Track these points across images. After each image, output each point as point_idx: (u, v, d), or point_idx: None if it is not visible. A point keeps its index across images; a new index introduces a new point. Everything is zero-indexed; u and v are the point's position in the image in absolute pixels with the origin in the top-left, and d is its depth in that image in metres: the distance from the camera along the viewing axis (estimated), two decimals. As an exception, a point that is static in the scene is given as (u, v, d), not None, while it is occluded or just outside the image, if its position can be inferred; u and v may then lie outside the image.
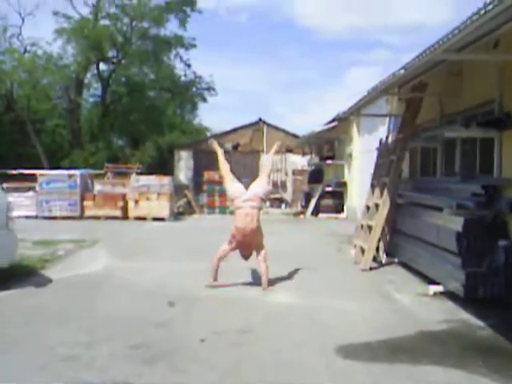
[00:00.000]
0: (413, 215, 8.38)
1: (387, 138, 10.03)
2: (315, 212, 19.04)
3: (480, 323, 5.47)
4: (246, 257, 7.25)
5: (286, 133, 30.28)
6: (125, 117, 31.66)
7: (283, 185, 30.01)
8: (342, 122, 18.08)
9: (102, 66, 31.96)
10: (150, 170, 28.79)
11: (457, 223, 6.41)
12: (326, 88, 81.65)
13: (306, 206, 21.15)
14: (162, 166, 30.75)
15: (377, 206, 8.89)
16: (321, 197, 19.17)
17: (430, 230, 7.35)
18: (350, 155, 17.77)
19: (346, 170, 18.49)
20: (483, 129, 6.65)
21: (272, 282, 7.28)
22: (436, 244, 7.07)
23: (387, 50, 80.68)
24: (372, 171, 10.77)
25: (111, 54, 30.65)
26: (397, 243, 8.95)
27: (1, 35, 30.14)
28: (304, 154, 27.67)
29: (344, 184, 18.45)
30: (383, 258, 9.05)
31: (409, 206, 8.80)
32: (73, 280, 7.54)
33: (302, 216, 19.88)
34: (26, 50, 31.27)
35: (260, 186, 7.20)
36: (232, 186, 7.20)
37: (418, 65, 6.10)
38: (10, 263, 7.33)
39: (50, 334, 5.01)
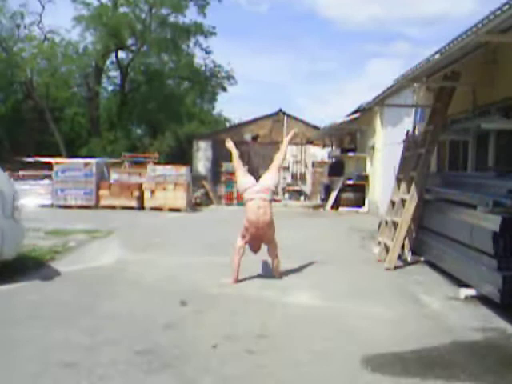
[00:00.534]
0: (441, 212, 7.86)
1: (414, 129, 9.51)
2: (335, 205, 18.54)
3: (519, 333, 4.99)
4: (255, 250, 7.09)
5: (307, 124, 29.76)
6: (143, 105, 31.34)
7: (302, 177, 29.52)
8: (365, 114, 17.53)
9: (121, 54, 31.70)
10: (168, 160, 28.48)
11: (493, 222, 5.88)
12: (347, 80, 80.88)
13: (325, 199, 20.65)
14: (181, 156, 30.44)
15: (403, 201, 8.39)
16: (341, 190, 18.65)
17: (461, 228, 6.83)
18: (373, 148, 17.20)
19: (368, 163, 17.93)
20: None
21: (291, 280, 6.90)
22: (468, 244, 6.55)
23: (408, 43, 79.50)
24: (397, 164, 10.27)
25: (130, 41, 30.28)
26: (423, 241, 8.45)
27: (20, 22, 30.02)
28: (324, 145, 27.16)
29: (366, 177, 17.90)
30: (409, 257, 8.57)
31: (437, 201, 8.28)
32: (82, 273, 7.18)
33: (321, 209, 19.39)
34: (46, 38, 31.10)
35: (271, 177, 7.07)
36: (243, 178, 7.10)
37: (456, 48, 5.58)
38: (16, 255, 6.99)
39: (51, 335, 4.64)
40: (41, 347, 4.31)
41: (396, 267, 7.98)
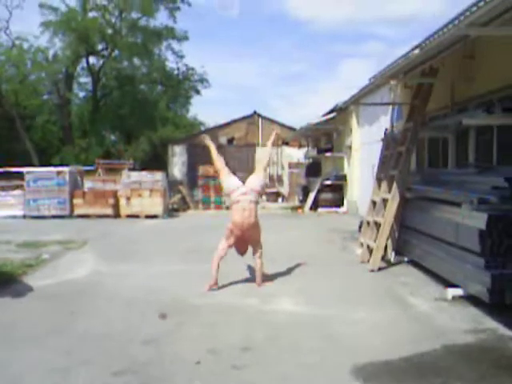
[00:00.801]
0: (424, 210, 7.73)
1: (393, 127, 9.38)
2: (314, 206, 18.37)
3: (511, 333, 4.85)
4: (242, 253, 7.01)
5: (282, 125, 29.69)
6: (116, 111, 30.95)
7: (279, 178, 29.42)
8: (341, 113, 17.44)
9: (92, 60, 31.22)
10: (143, 166, 28.09)
11: (479, 220, 5.75)
12: (320, 80, 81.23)
13: (303, 200, 20.50)
14: (156, 161, 30.12)
15: (384, 201, 8.25)
16: (319, 191, 18.48)
17: (445, 226, 6.70)
18: (350, 147, 17.11)
19: (346, 163, 17.83)
20: (510, 115, 5.98)
21: (274, 285, 6.72)
22: (453, 242, 6.42)
23: (381, 42, 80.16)
24: (376, 163, 10.14)
25: (100, 46, 29.86)
26: (406, 241, 8.31)
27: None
28: (300, 146, 27.07)
29: (344, 177, 17.79)
30: (392, 257, 8.42)
31: (419, 200, 8.15)
32: (54, 288, 6.86)
33: (300, 211, 19.20)
34: (13, 44, 30.46)
35: (257, 179, 6.91)
36: (228, 179, 6.87)
37: (436, 43, 5.43)
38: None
39: (19, 358, 4.34)
40: (7, 374, 4.02)
41: (380, 268, 7.82)
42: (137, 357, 4.31)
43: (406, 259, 8.32)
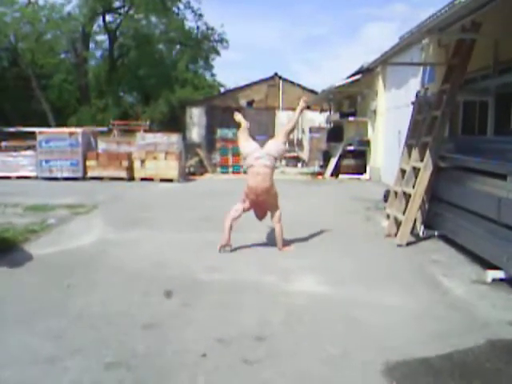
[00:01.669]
0: (459, 182, 7.02)
1: (426, 90, 8.59)
2: (335, 172, 17.66)
3: None
4: (261, 217, 6.93)
5: (303, 88, 28.80)
6: (133, 71, 30.16)
7: (300, 143, 28.65)
8: (366, 76, 16.53)
9: (109, 18, 30.31)
10: (161, 128, 27.51)
11: (528, 195, 5.08)
12: (342, 45, 79.13)
13: (324, 166, 19.79)
14: (174, 123, 29.45)
15: (415, 169, 7.55)
16: (341, 156, 17.74)
17: (485, 200, 6.01)
18: (375, 112, 16.25)
19: (370, 128, 17.00)
20: None
21: (294, 260, 6.14)
22: (495, 219, 5.74)
23: (405, 5, 77.43)
24: (404, 129, 9.40)
25: (117, 3, 28.90)
26: (437, 213, 7.63)
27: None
28: (322, 110, 26.17)
29: (367, 143, 16.99)
30: (421, 231, 7.76)
31: (454, 170, 7.43)
32: (56, 258, 6.35)
33: (320, 176, 18.51)
34: (29, 2, 29.63)
35: (275, 144, 6.77)
36: (245, 143, 6.81)
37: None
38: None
39: (6, 342, 3.83)
40: (-12, 361, 3.51)
41: (408, 243, 7.18)
42: (135, 346, 3.77)
43: (436, 233, 7.66)
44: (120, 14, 29.31)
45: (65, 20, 27.93)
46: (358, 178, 16.95)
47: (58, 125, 25.16)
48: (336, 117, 20.39)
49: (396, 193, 8.16)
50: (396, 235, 7.52)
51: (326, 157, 20.01)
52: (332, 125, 22.02)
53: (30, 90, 29.28)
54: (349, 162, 17.52)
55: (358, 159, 17.41)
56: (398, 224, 7.59)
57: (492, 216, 5.78)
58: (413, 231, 7.61)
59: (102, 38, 31.75)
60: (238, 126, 7.21)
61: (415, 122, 8.27)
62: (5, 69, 31.33)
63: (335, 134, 20.41)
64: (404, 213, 7.44)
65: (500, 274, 5.42)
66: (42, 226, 8.31)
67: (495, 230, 5.68)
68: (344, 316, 4.42)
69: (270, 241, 7.16)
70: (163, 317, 4.35)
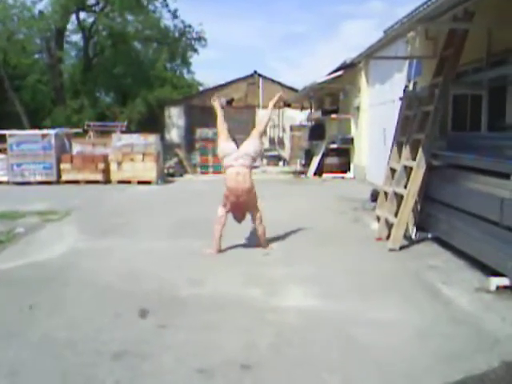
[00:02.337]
0: (454, 181, 6.61)
1: (415, 84, 8.18)
2: (318, 171, 17.23)
3: None
4: (239, 219, 6.75)
5: (283, 86, 28.39)
6: (109, 70, 29.38)
7: (280, 141, 28.26)
8: (348, 72, 16.14)
9: (83, 16, 29.51)
10: (139, 128, 26.85)
11: (534, 195, 4.67)
12: (321, 42, 78.99)
13: (306, 165, 19.38)
14: (153, 123, 28.80)
15: (406, 168, 7.12)
16: (324, 155, 17.31)
17: (484, 201, 5.60)
18: (358, 108, 15.86)
19: (353, 125, 16.61)
20: None
21: (279, 269, 5.67)
22: (496, 221, 5.33)
23: (382, 2, 77.51)
24: (392, 126, 9.00)
25: (92, 1, 28.13)
26: (430, 214, 7.22)
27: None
28: (303, 108, 25.79)
29: (351, 140, 16.59)
30: (413, 233, 7.34)
31: (447, 168, 7.03)
32: (20, 272, 5.79)
33: (303, 175, 18.09)
34: (4, 1, 28.62)
35: (252, 144, 6.69)
36: (224, 144, 6.70)
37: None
38: None
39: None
40: None
41: (401, 247, 6.75)
42: (104, 380, 3.26)
43: (429, 235, 7.25)
44: (94, 12, 28.57)
45: (37, 19, 27.10)
46: (342, 177, 16.55)
47: (33, 127, 24.31)
48: (317, 114, 19.98)
49: (386, 193, 7.74)
50: (387, 238, 7.10)
51: (309, 155, 19.61)
52: (313, 123, 21.62)
53: (2, 91, 28.39)
54: (332, 160, 17.10)
55: (341, 157, 17.00)
56: (390, 226, 7.16)
57: (493, 217, 5.37)
58: (405, 234, 7.19)
59: (77, 37, 31.00)
60: (215, 115, 7.01)
61: (405, 118, 7.85)
62: (-24, 70, 30.39)
63: (317, 131, 20.04)
64: (396, 215, 7.01)
65: (505, 281, 5.00)
66: (8, 235, 7.75)
67: (497, 232, 5.27)
68: (339, 335, 3.95)
69: (252, 243, 6.93)
70: (135, 342, 3.84)
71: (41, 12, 27.33)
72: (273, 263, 6.07)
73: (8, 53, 28.24)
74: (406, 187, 7.01)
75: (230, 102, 27.91)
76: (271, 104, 7.26)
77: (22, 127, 24.54)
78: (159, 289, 5.11)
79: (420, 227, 7.38)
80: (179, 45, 30.59)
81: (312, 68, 70.74)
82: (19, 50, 28.49)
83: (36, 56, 31.84)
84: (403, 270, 5.78)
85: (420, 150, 6.65)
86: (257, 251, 6.61)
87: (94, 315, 4.42)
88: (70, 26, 29.85)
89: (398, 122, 8.40)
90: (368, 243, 7.13)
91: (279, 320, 4.27)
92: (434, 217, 7.14)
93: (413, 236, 7.31)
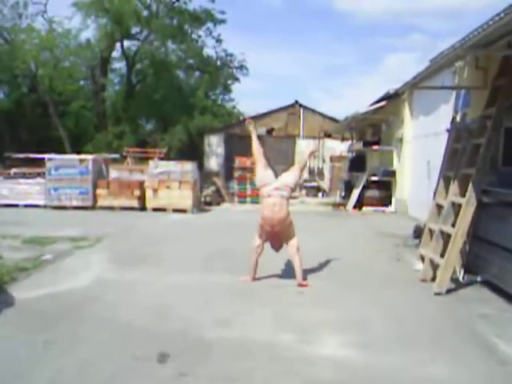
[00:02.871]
0: (505, 220, 6.07)
1: (464, 115, 7.69)
2: (358, 204, 16.68)
3: None
4: (277, 248, 6.68)
5: (324, 116, 28.09)
6: (150, 98, 29.62)
7: (320, 172, 27.77)
8: (391, 103, 15.68)
9: (127, 44, 30.00)
10: (179, 156, 26.86)
11: None
12: (362, 74, 78.72)
13: (346, 197, 18.86)
14: (193, 151, 28.82)
15: (454, 205, 6.61)
16: (365, 187, 16.78)
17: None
18: (401, 140, 15.33)
19: (395, 157, 16.06)
20: None
21: (314, 311, 5.19)
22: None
23: (424, 35, 76.98)
24: (436, 159, 8.52)
25: (135, 30, 28.59)
26: (479, 256, 6.67)
27: (23, 12, 28.47)
28: (343, 139, 25.35)
29: (392, 173, 16.03)
30: (461, 275, 6.79)
31: (498, 206, 6.49)
32: (40, 303, 5.50)
33: (342, 208, 17.56)
34: (51, 29, 29.36)
35: (292, 175, 6.67)
36: (262, 172, 6.61)
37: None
38: None
39: None
40: None
41: (447, 290, 6.20)
42: None
43: (478, 279, 6.67)
44: (138, 40, 29.03)
45: (83, 47, 27.68)
46: (383, 211, 15.95)
47: (75, 152, 24.59)
48: (359, 145, 19.50)
49: (431, 231, 7.22)
50: (433, 280, 6.57)
51: (348, 187, 19.09)
52: (354, 154, 21.14)
53: (47, 116, 28.96)
54: (373, 193, 16.54)
55: (382, 190, 16.42)
56: (435, 267, 6.63)
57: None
58: (452, 276, 6.63)
59: (120, 64, 31.50)
60: (249, 139, 7.03)
61: (453, 151, 7.35)
62: (24, 95, 31.16)
63: (357, 163, 19.54)
64: (442, 255, 6.49)
65: None
66: (35, 262, 7.51)
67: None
68: (381, 396, 3.48)
69: (288, 274, 6.81)
70: (151, 394, 3.46)
71: (88, 40, 27.90)
72: (307, 304, 5.62)
73: (54, 79, 28.83)
74: (453, 225, 6.50)
75: (269, 132, 27.70)
76: (306, 156, 7.73)
77: (64, 152, 24.87)
78: (183, 329, 4.73)
79: (468, 269, 6.82)
80: (221, 73, 30.72)
81: (353, 99, 70.41)
82: (65, 77, 29.07)
83: (81, 83, 32.45)
84: (451, 319, 5.24)
85: (470, 185, 6.15)
86: (291, 289, 6.18)
87: (109, 357, 4.06)
88: (114, 54, 30.43)
89: (444, 155, 7.91)
90: (411, 285, 6.59)
91: (312, 374, 3.81)
92: (483, 258, 6.59)
93: (460, 278, 6.75)
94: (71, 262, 7.80)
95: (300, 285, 6.34)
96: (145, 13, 26.96)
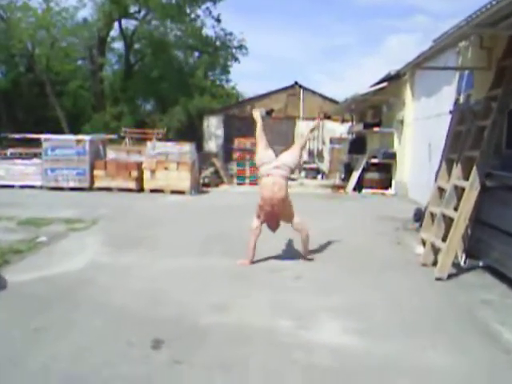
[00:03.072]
0: (509, 204, 5.94)
1: (468, 97, 7.52)
2: (358, 187, 16.54)
3: None
4: (274, 228, 6.66)
5: (324, 98, 27.83)
6: (149, 78, 29.29)
7: (320, 154, 27.58)
8: (393, 84, 15.43)
9: (125, 23, 29.60)
10: (178, 137, 26.66)
11: None
12: (364, 55, 78.09)
13: (345, 179, 18.71)
14: (192, 132, 28.60)
15: (457, 188, 6.47)
16: (364, 169, 16.62)
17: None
18: (402, 122, 15.13)
19: (396, 140, 15.87)
20: None
21: (313, 296, 5.07)
22: None
23: (427, 17, 76.24)
24: (438, 141, 8.36)
25: (134, 9, 28.15)
26: (481, 240, 6.54)
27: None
28: (343, 121, 25.12)
29: (393, 155, 15.85)
30: (462, 260, 6.67)
31: (501, 190, 6.35)
32: (33, 287, 5.38)
33: (341, 190, 17.39)
34: (48, 7, 28.88)
35: (291, 154, 6.67)
36: (263, 151, 6.63)
37: None
38: None
39: None
40: None
41: (449, 275, 6.09)
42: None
43: (480, 264, 6.55)
44: (137, 19, 28.64)
45: (80, 26, 27.28)
46: (383, 193, 15.81)
47: (72, 132, 24.36)
48: (359, 127, 19.30)
49: (432, 214, 7.09)
50: (433, 264, 6.46)
51: (348, 169, 18.93)
52: (354, 136, 20.94)
53: (44, 96, 28.68)
54: (373, 175, 16.39)
55: (382, 173, 16.26)
56: (436, 252, 6.52)
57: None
58: (453, 260, 6.51)
59: (118, 44, 31.13)
60: (254, 125, 7.01)
61: (456, 134, 7.19)
62: (21, 74, 30.83)
63: (357, 145, 19.36)
64: (443, 239, 6.37)
65: None
66: (30, 244, 7.39)
67: None
68: (382, 386, 3.37)
69: (287, 255, 7.00)
70: (145, 382, 3.34)
71: (85, 19, 27.49)
72: (306, 289, 5.51)
73: (51, 59, 28.49)
74: (455, 209, 6.37)
75: (269, 113, 27.41)
76: (309, 129, 7.72)
77: (62, 132, 24.68)
78: (178, 314, 4.62)
79: (470, 254, 6.71)
80: (220, 54, 30.35)
81: (354, 81, 69.72)
82: (62, 56, 28.72)
83: (79, 62, 32.09)
84: (452, 305, 5.13)
85: (474, 168, 6.01)
86: (289, 272, 6.09)
87: (102, 344, 3.95)
88: (112, 33, 30.03)
89: (447, 138, 7.76)
90: (412, 269, 6.48)
91: (310, 361, 3.70)
92: (485, 243, 6.46)
93: (462, 263, 6.64)
94: (66, 244, 7.68)
95: (305, 257, 6.60)
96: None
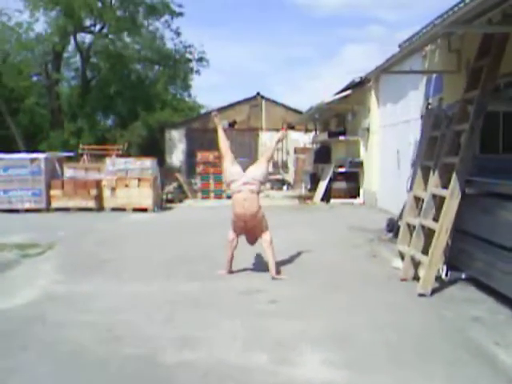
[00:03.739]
0: (491, 212, 5.59)
1: (441, 101, 7.21)
2: (326, 197, 16.19)
3: None
4: (252, 242, 6.72)
5: (287, 108, 27.68)
6: (106, 93, 28.52)
7: (284, 165, 27.30)
8: (357, 92, 15.23)
9: (82, 37, 28.80)
10: (140, 152, 26.03)
11: None
12: (322, 65, 78.76)
13: (312, 189, 18.39)
14: (153, 146, 27.98)
15: (435, 197, 6.12)
16: (331, 179, 16.30)
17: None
18: (367, 129, 14.88)
19: (362, 148, 15.62)
20: None
21: (288, 322, 4.59)
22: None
23: (382, 26, 77.56)
24: (408, 148, 8.04)
25: (89, 22, 27.43)
26: (463, 250, 6.19)
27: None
28: (307, 130, 24.92)
29: (360, 164, 15.58)
30: (443, 272, 6.29)
31: (481, 197, 6.02)
32: (-27, 328, 4.77)
33: (309, 201, 17.03)
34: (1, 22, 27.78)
35: (259, 168, 6.63)
36: (231, 168, 6.55)
37: None
38: None
39: None
40: None
41: (432, 290, 5.70)
42: None
43: (463, 276, 6.19)
44: (92, 33, 27.87)
45: (34, 41, 26.33)
46: (352, 203, 15.49)
47: (29, 151, 23.39)
48: (324, 136, 19.01)
49: (409, 225, 6.71)
50: (414, 279, 6.10)
51: (314, 179, 18.62)
52: (319, 145, 20.67)
53: (-1, 114, 27.60)
54: (340, 185, 16.08)
55: (350, 182, 15.97)
56: (416, 265, 6.16)
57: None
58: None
59: (74, 59, 30.24)
60: (217, 138, 6.91)
61: (431, 140, 6.83)
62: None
63: (323, 154, 19.07)
64: (424, 252, 5.99)
65: None
66: (-25, 275, 6.73)
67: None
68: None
69: (259, 272, 6.73)
70: None
71: (38, 34, 26.54)
72: (281, 314, 5.03)
73: (4, 75, 27.44)
74: (435, 219, 6.01)
75: (232, 125, 27.02)
76: (276, 138, 7.37)
77: (18, 151, 23.67)
78: (142, 354, 4.07)
79: (451, 265, 6.34)
80: (180, 66, 29.78)
81: (315, 91, 70.02)
82: (16, 72, 27.68)
83: (34, 78, 31.06)
84: (441, 324, 4.71)
85: (454, 176, 5.64)
86: (263, 296, 5.60)
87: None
88: (69, 48, 29.17)
89: (420, 144, 7.43)
90: (392, 285, 6.08)
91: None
92: (467, 253, 6.12)
93: (443, 276, 6.25)
94: (17, 273, 7.07)
95: (273, 277, 6.35)
96: (99, 4, 25.78)
